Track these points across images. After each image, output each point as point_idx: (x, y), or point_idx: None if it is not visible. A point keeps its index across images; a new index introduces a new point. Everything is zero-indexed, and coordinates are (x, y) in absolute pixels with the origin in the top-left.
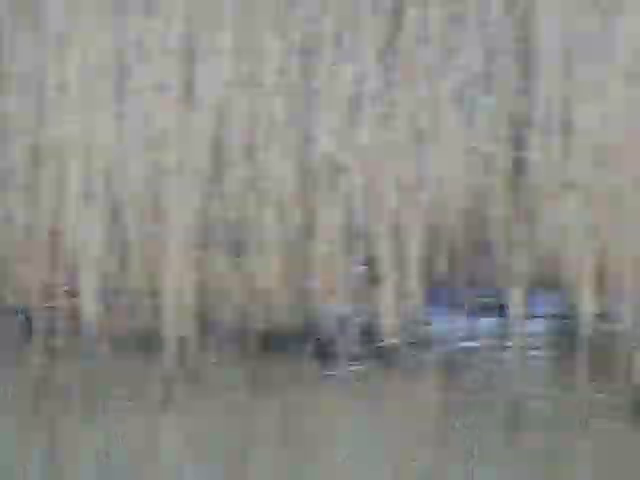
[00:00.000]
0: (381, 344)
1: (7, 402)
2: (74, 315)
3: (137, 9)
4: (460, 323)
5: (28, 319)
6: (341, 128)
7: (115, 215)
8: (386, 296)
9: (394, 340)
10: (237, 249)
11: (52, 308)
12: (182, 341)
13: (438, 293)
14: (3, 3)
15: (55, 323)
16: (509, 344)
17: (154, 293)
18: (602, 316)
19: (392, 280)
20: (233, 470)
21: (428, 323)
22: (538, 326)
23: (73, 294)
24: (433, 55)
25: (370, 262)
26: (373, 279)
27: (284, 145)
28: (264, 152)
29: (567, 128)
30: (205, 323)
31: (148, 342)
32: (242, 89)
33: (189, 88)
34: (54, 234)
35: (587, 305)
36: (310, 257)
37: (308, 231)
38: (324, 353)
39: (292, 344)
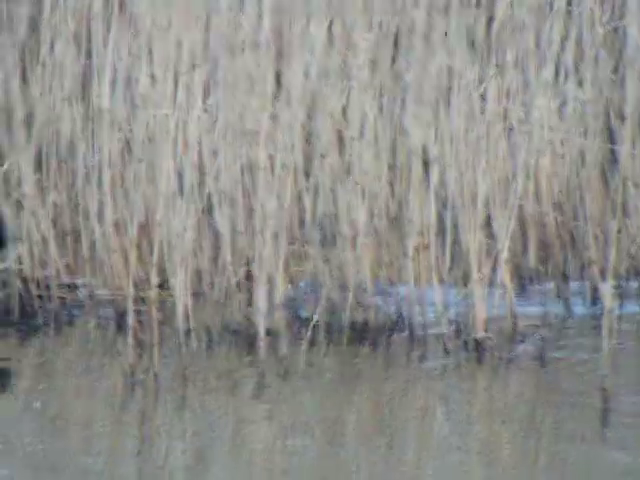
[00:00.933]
0: (472, 337)
1: (100, 393)
2: (166, 308)
3: (227, 3)
4: (551, 316)
5: (121, 313)
6: (432, 120)
7: (207, 209)
8: (477, 289)
9: (485, 333)
10: (328, 242)
11: (145, 301)
12: (274, 333)
13: (529, 286)
14: (96, 0)
15: (148, 316)
16: (601, 335)
17: (246, 286)
18: None
19: (484, 273)
20: (326, 458)
21: (519, 316)
22: (629, 318)
23: (165, 288)
24: (525, 46)
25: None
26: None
27: (375, 138)
28: (355, 145)
29: None
30: (297, 315)
31: (241, 335)
32: (333, 82)
33: (279, 82)
34: (146, 228)
35: None
36: (401, 250)
37: (399, 224)
38: (416, 345)
39: (384, 336)
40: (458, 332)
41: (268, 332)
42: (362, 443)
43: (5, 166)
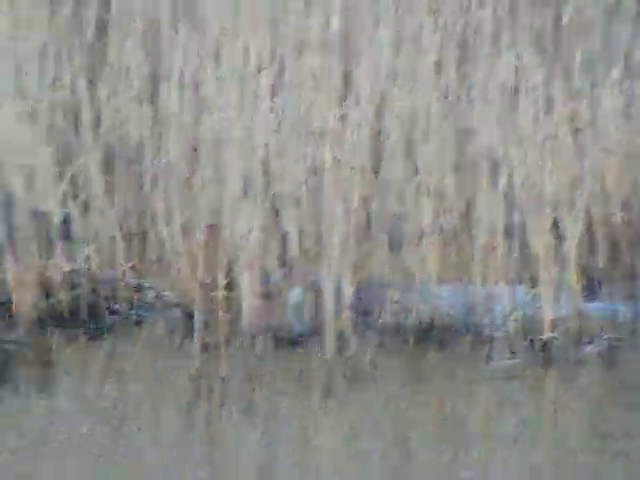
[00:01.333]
0: (540, 338)
1: (167, 395)
2: (233, 310)
3: (295, 6)
4: (619, 316)
5: (188, 314)
6: (500, 121)
7: (274, 211)
8: (545, 290)
9: (552, 334)
10: (396, 243)
11: (212, 303)
12: (341, 334)
13: (597, 286)
14: (164, 4)
15: (214, 317)
16: None
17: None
18: None
19: (551, 273)
20: (394, 459)
21: (586, 317)
22: None
23: (232, 289)
24: (592, 46)
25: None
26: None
27: (443, 138)
28: (423, 145)
29: None
30: (364, 316)
31: (308, 336)
32: (400, 83)
33: (347, 83)
34: (213, 230)
35: None
36: (469, 250)
37: (467, 224)
38: (483, 346)
39: (450, 336)
40: (525, 333)
41: (335, 333)
42: (430, 444)
43: (73, 168)
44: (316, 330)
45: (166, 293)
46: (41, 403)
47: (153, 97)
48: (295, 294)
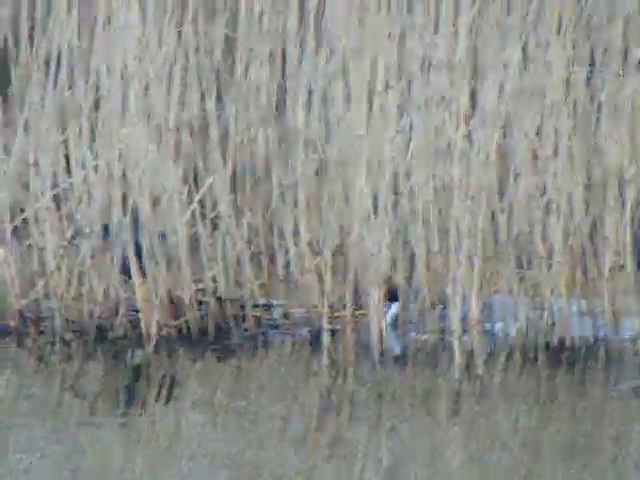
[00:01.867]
0: None
1: (295, 413)
2: (360, 328)
3: (422, 22)
4: None
5: (316, 332)
6: (628, 139)
7: (401, 229)
8: None
9: None
10: (523, 261)
11: (339, 322)
12: (469, 352)
13: None
14: (292, 20)
15: (342, 336)
16: None
17: (440, 305)
18: None
19: None
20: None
21: None
22: None
23: (360, 308)
24: None
25: None
26: None
27: (570, 156)
28: (550, 164)
29: None
30: (492, 335)
31: (435, 354)
32: (527, 101)
33: (474, 101)
34: (341, 248)
35: None
36: (597, 268)
37: (594, 243)
38: (613, 366)
39: (580, 356)
40: None
41: (463, 351)
42: (560, 464)
43: (203, 188)
44: (419, 347)
45: (294, 311)
46: (170, 419)
47: (280, 115)
48: (393, 309)
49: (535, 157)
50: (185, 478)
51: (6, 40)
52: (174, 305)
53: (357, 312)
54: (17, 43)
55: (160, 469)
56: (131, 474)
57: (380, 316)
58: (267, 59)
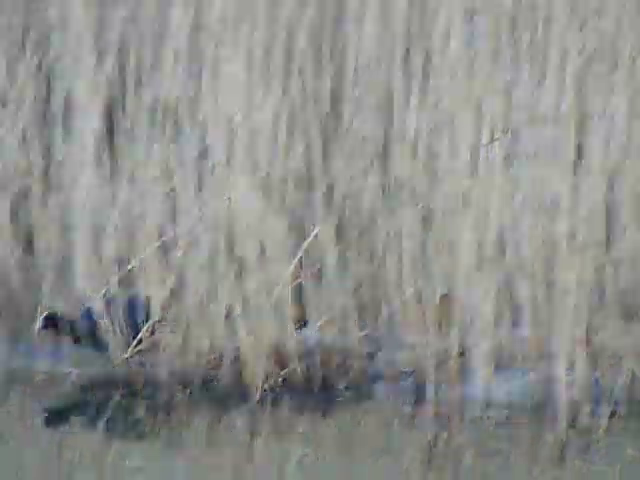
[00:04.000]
0: None
1: (400, 467)
2: (464, 379)
3: (529, 74)
4: None
5: (420, 383)
6: None
7: (507, 281)
8: None
9: None
10: (630, 315)
11: (444, 372)
12: (574, 405)
13: None
14: (398, 71)
15: (448, 387)
16: None
17: (546, 358)
18: None
19: None
20: None
21: None
22: None
23: (464, 356)
24: None
25: None
26: None
27: None
28: None
29: None
30: (597, 387)
31: (540, 406)
32: (635, 153)
33: (580, 153)
34: (446, 299)
35: None
36: None
37: None
38: None
39: None
40: None
41: (569, 404)
42: None
43: (308, 238)
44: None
45: (398, 362)
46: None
47: (385, 165)
48: None
49: None
50: None
51: (113, 90)
52: (279, 356)
53: (462, 362)
54: (123, 93)
55: None
56: None
57: (485, 366)
58: (373, 110)
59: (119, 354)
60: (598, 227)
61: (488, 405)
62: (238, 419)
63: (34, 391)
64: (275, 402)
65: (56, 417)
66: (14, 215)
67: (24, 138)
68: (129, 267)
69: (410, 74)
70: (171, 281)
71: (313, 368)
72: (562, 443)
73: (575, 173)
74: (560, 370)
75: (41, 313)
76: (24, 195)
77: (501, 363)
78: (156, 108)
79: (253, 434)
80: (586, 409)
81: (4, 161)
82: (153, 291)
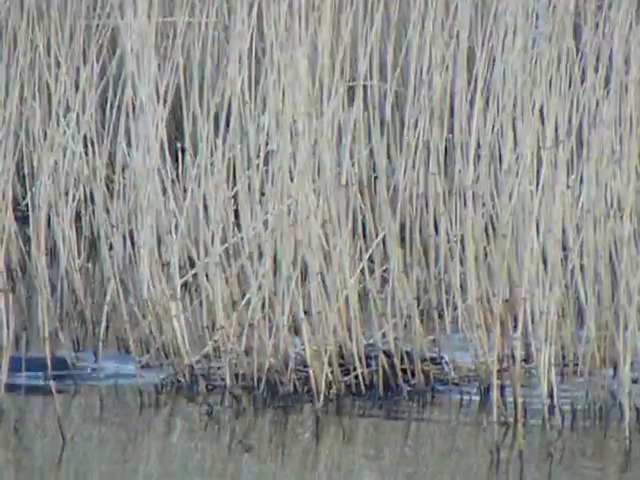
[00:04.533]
0: None
1: (464, 471)
2: (530, 384)
3: (593, 78)
4: None
5: (484, 388)
6: None
7: (571, 281)
8: None
9: None
10: None
11: (508, 377)
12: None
13: None
14: (461, 75)
15: (511, 392)
16: None
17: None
18: None
19: None
20: None
21: None
22: None
23: (530, 361)
24: None
25: None
26: None
27: None
28: None
29: None
30: None
31: (605, 411)
32: None
33: None
34: (509, 303)
35: None
36: None
37: None
38: None
39: None
40: None
41: (634, 409)
42: None
43: (373, 243)
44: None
45: (463, 366)
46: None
47: (448, 170)
48: None
49: None
50: None
51: (177, 94)
52: (344, 361)
53: (527, 367)
54: (187, 97)
55: None
56: None
57: (550, 372)
58: (436, 114)
59: (184, 359)
60: None
61: (552, 410)
62: (302, 423)
63: (99, 398)
64: (339, 406)
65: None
66: (78, 222)
67: (87, 144)
68: (193, 272)
69: (473, 77)
70: (235, 286)
71: (377, 373)
72: (627, 449)
73: (639, 176)
74: (625, 374)
75: (105, 319)
76: (88, 201)
77: (566, 367)
78: (220, 113)
79: (318, 438)
80: None
81: (67, 167)
82: (217, 296)
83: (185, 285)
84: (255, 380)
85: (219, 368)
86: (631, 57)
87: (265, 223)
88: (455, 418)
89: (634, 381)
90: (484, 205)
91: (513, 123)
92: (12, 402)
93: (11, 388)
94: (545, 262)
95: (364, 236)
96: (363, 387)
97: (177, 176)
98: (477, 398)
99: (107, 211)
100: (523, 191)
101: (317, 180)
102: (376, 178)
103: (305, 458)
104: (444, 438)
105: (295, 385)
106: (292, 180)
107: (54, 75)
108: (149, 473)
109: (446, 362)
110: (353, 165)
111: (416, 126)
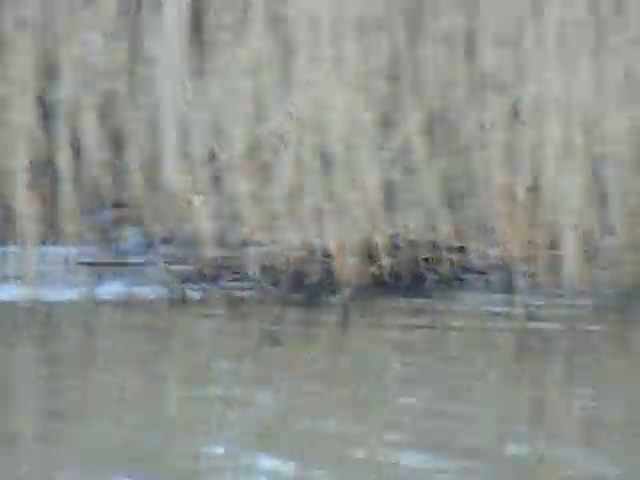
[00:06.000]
0: None
1: (491, 360)
2: (555, 270)
3: None
4: None
5: (508, 275)
6: None
7: (595, 169)
8: None
9: None
10: None
11: (533, 263)
12: None
13: None
14: None
15: (535, 279)
16: None
17: (636, 248)
18: None
19: None
20: None
21: None
22: None
23: (554, 247)
24: None
25: None
26: None
27: None
28: None
29: None
30: None
31: (632, 296)
32: None
33: None
34: (533, 190)
35: None
36: None
37: None
38: None
39: None
40: None
41: None
42: None
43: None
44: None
45: (488, 254)
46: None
47: (471, 58)
48: None
49: None
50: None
51: None
52: (368, 251)
53: (551, 254)
54: None
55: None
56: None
57: (574, 256)
58: (456, 4)
59: (209, 251)
60: None
61: (579, 294)
62: (329, 313)
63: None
64: (364, 297)
65: None
66: (102, 116)
67: (110, 37)
68: (218, 164)
69: None
70: (260, 177)
71: (403, 262)
72: None
73: None
74: None
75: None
76: (112, 95)
77: (590, 253)
78: (243, 4)
79: (345, 327)
80: None
81: (90, 62)
82: (242, 187)
83: (210, 179)
84: (281, 271)
85: (244, 260)
86: None
87: (290, 115)
88: (481, 304)
89: None
90: (507, 93)
91: (534, 9)
92: None
93: None
94: (568, 148)
95: (388, 126)
96: (388, 277)
97: (201, 67)
98: (502, 284)
99: (131, 104)
100: (546, 76)
101: (341, 70)
102: (399, 66)
103: (332, 345)
104: (471, 325)
105: (321, 276)
106: (316, 70)
107: None
108: (181, 359)
109: (471, 250)
110: (377, 54)
111: (438, 16)
